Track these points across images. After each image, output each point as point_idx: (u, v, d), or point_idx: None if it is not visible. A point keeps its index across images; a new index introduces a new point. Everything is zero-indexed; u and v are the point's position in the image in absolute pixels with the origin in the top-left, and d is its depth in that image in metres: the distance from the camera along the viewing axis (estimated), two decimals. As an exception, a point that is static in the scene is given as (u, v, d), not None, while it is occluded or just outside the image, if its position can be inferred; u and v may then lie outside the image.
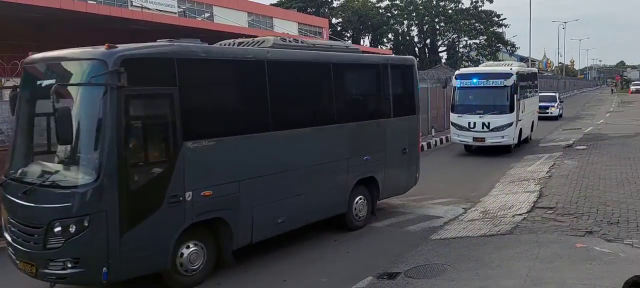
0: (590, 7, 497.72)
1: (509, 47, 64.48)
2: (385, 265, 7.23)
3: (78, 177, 5.71)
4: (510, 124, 16.95)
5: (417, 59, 56.68)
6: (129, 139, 5.83)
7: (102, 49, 5.81)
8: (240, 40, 8.17)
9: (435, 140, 20.78)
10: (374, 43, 60.77)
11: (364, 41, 61.90)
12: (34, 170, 6.22)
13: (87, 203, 5.56)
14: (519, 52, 67.56)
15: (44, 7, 19.15)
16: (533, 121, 20.90)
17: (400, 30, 63.29)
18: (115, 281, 5.83)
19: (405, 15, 61.56)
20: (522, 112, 18.08)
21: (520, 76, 18.19)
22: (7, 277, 6.63)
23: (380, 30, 61.43)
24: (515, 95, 17.05)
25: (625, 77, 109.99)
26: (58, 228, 5.57)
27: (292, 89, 7.88)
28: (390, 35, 63.65)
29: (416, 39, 64.84)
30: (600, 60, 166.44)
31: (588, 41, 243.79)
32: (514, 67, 18.45)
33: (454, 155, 18.02)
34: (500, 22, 62.00)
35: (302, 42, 9.04)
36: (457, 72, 19.45)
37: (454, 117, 17.84)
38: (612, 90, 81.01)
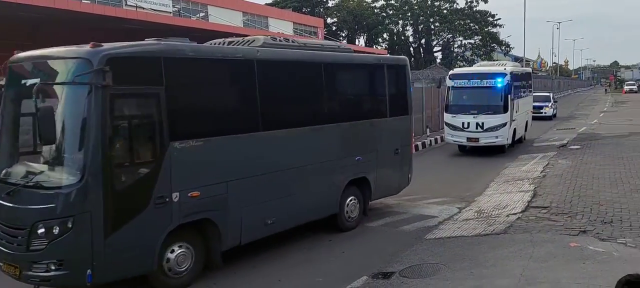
0: (584, 7, 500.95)
1: (503, 47, 64.59)
2: (380, 265, 7.21)
3: (62, 177, 5.63)
4: (504, 124, 16.89)
5: (412, 58, 56.87)
6: (114, 139, 5.74)
7: (87, 47, 5.71)
8: (230, 39, 8.09)
9: (430, 140, 20.76)
10: (369, 43, 60.73)
11: (359, 41, 61.91)
12: (19, 170, 6.13)
13: (71, 204, 5.47)
14: (513, 52, 67.63)
15: (38, 6, 19.01)
16: (527, 121, 20.86)
17: (395, 30, 63.28)
18: (99, 283, 5.72)
19: (400, 15, 61.53)
20: (516, 112, 18.03)
21: (514, 76, 18.13)
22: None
23: (375, 30, 61.41)
24: (509, 95, 16.98)
25: (619, 77, 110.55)
26: (41, 230, 5.48)
27: (282, 88, 7.79)
28: (385, 35, 63.64)
29: (411, 39, 64.93)
30: (594, 60, 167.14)
31: (582, 41, 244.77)
32: (508, 67, 18.38)
33: (448, 155, 17.99)
34: (495, 22, 62.16)
35: (293, 42, 8.94)
36: (451, 72, 19.41)
37: (448, 117, 17.76)
38: (606, 90, 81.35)
